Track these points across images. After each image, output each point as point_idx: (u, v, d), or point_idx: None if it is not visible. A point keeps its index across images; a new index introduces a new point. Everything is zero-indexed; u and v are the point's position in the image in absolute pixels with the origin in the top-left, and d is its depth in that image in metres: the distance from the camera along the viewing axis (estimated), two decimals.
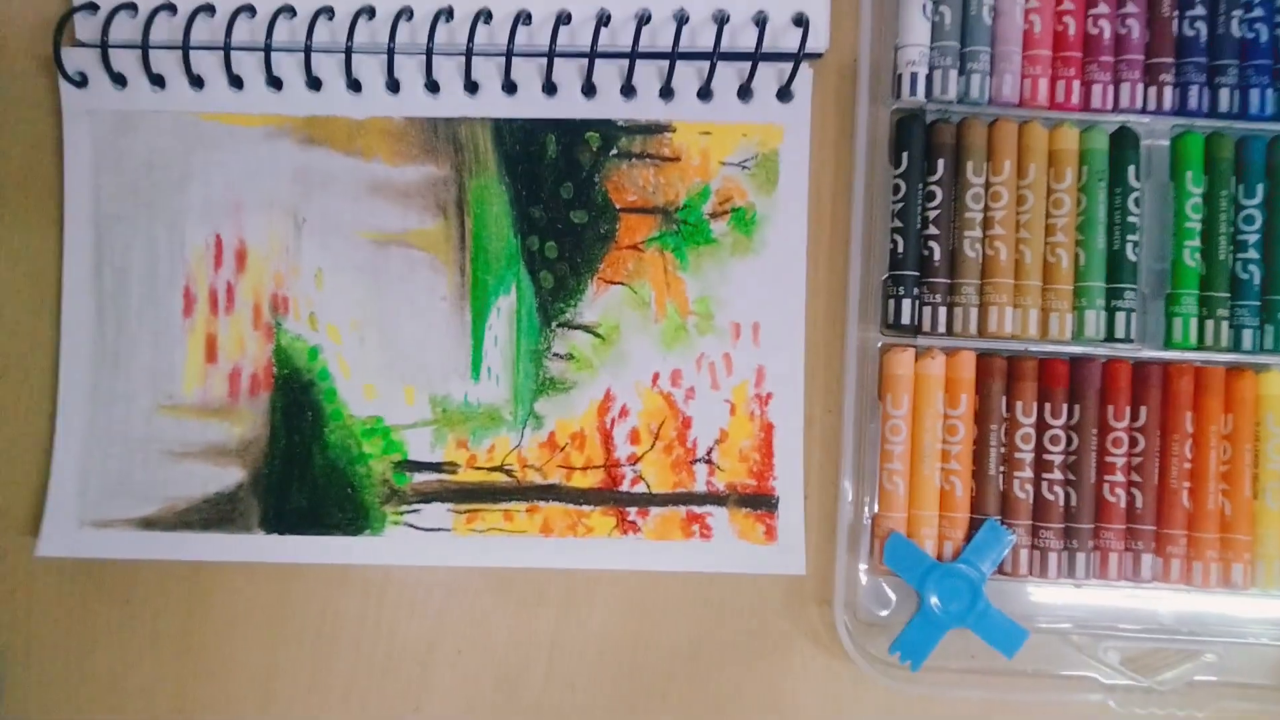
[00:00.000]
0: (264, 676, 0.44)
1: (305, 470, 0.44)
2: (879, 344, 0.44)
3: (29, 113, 0.45)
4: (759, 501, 0.44)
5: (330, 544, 0.44)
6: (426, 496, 0.44)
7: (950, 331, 0.44)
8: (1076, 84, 0.44)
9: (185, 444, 0.44)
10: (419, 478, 0.44)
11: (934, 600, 0.42)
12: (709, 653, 0.44)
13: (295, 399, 0.44)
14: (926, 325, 0.43)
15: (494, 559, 0.44)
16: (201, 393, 0.44)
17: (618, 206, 0.45)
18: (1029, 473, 0.43)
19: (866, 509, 0.44)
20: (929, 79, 0.43)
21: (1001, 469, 0.44)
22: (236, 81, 0.44)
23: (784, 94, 0.44)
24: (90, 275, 0.44)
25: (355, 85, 0.44)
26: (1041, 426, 0.44)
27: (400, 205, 0.44)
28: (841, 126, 0.45)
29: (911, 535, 0.43)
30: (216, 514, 0.44)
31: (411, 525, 0.44)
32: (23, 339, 0.45)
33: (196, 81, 0.44)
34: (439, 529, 0.44)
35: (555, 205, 0.45)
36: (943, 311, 0.43)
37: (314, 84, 0.44)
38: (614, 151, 0.44)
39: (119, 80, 0.44)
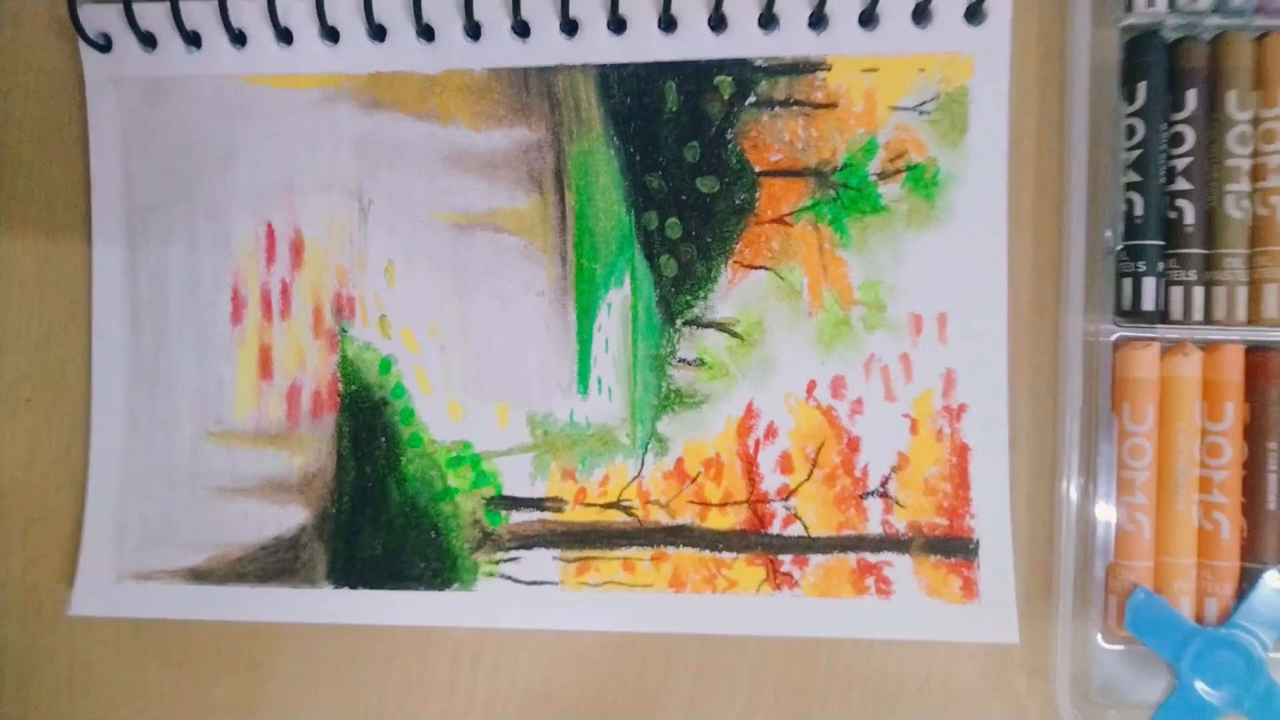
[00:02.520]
0: None
1: (380, 509, 0.36)
2: (1112, 338, 0.33)
3: (48, 86, 0.38)
4: (953, 547, 0.34)
5: (412, 600, 0.35)
6: (527, 541, 0.35)
7: (1210, 320, 0.33)
8: None
9: (237, 479, 0.36)
10: (517, 517, 0.35)
11: (1198, 680, 0.32)
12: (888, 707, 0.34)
13: (366, 422, 0.36)
14: (1176, 312, 0.33)
15: (612, 620, 0.35)
16: (255, 416, 0.36)
17: (757, 169, 0.35)
18: None
19: (1099, 557, 0.33)
20: None
21: None
22: (285, 35, 0.36)
23: (973, 13, 0.34)
24: (123, 278, 0.37)
25: (427, 32, 0.35)
26: None
27: (485, 179, 0.36)
28: (1050, 54, 0.34)
29: (1160, 590, 0.33)
30: (276, 564, 0.36)
31: (510, 578, 0.35)
32: (53, 357, 0.38)
33: (238, 38, 0.36)
34: (543, 582, 0.35)
35: (678, 171, 0.35)
36: (1198, 292, 0.33)
37: (377, 33, 0.36)
38: (751, 99, 0.35)
39: (148, 41, 0.36)
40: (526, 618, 0.35)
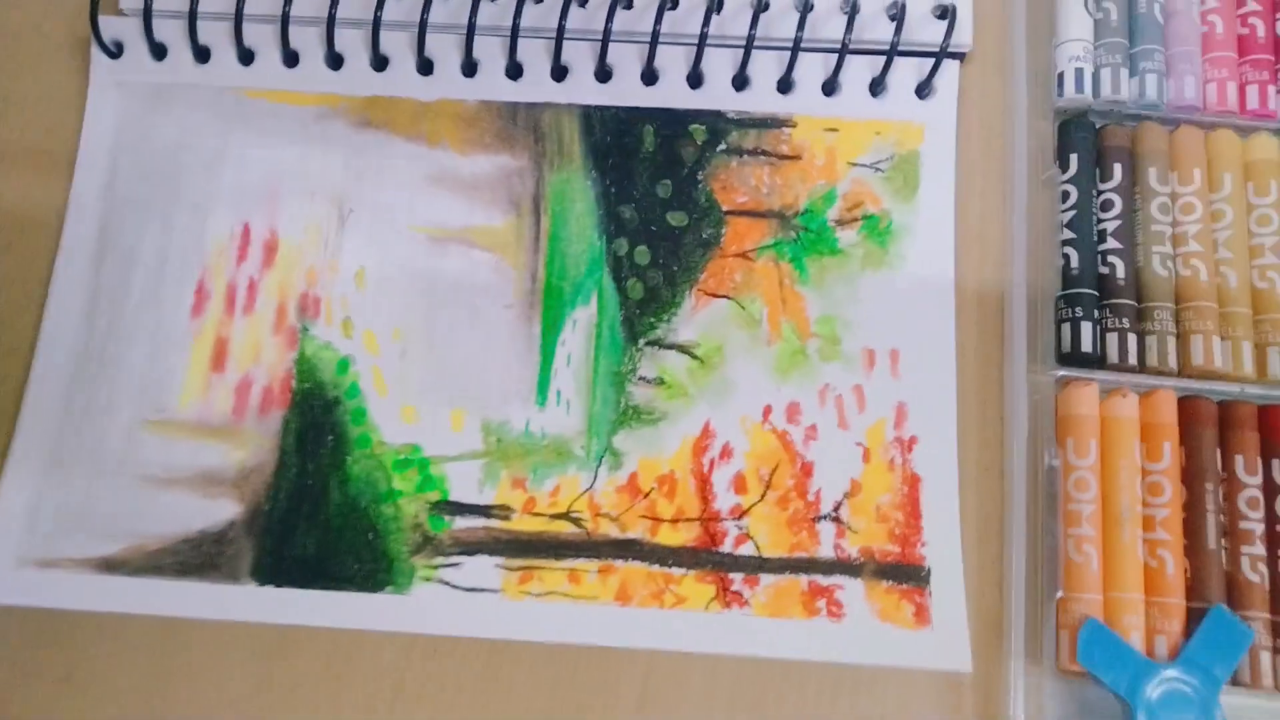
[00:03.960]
0: None
1: (318, 508, 0.34)
2: (1054, 376, 0.35)
3: (61, 92, 0.39)
4: (905, 573, 0.33)
5: (340, 601, 0.33)
6: (469, 548, 0.34)
7: (1143, 366, 0.35)
8: (1272, 89, 0.37)
9: (170, 468, 0.35)
10: (461, 523, 0.34)
11: (1153, 717, 0.31)
12: None
13: (315, 419, 0.35)
14: (1113, 357, 0.35)
15: (554, 631, 0.33)
16: (200, 407, 0.35)
17: (724, 208, 0.37)
18: (1260, 548, 0.33)
19: (1048, 591, 0.33)
20: (1095, 77, 0.37)
21: (1224, 543, 0.33)
22: (292, 58, 0.38)
23: (924, 90, 0.38)
24: (88, 264, 0.37)
25: (426, 66, 0.38)
26: (1272, 489, 0.33)
27: (465, 198, 0.37)
28: (992, 127, 0.38)
29: (1111, 626, 0.32)
30: (197, 557, 0.34)
31: (448, 583, 0.33)
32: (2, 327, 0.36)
33: (246, 56, 0.38)
34: (483, 589, 0.33)
35: (650, 205, 0.37)
36: (1132, 339, 0.35)
37: (379, 63, 0.38)
38: (722, 147, 0.38)
39: (158, 52, 0.38)
40: (463, 625, 0.33)
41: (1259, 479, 0.34)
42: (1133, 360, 0.34)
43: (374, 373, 0.36)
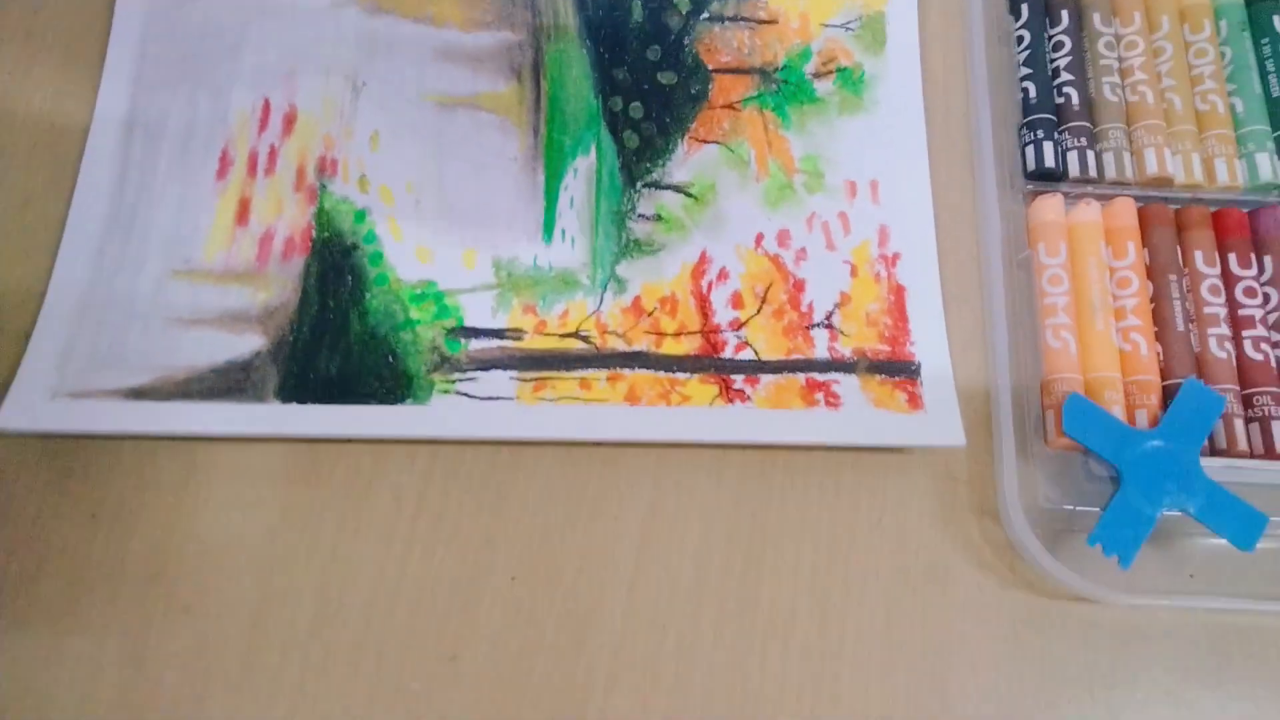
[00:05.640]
0: (267, 573, 0.33)
1: (339, 337, 0.36)
2: (1023, 192, 0.37)
3: None
4: (897, 368, 0.36)
5: (361, 414, 0.35)
6: (484, 364, 0.36)
7: (1102, 178, 0.37)
8: None
9: (197, 310, 0.37)
10: (476, 344, 0.36)
11: (1140, 479, 0.33)
12: (843, 549, 0.33)
13: (334, 263, 0.37)
14: (1074, 171, 0.37)
15: (567, 430, 0.34)
16: (225, 257, 0.37)
17: (710, 68, 0.40)
18: (1225, 329, 0.35)
19: (1031, 380, 0.35)
20: None
21: (1191, 325, 0.36)
22: None
23: None
24: (118, 137, 0.39)
25: None
26: (1230, 279, 0.36)
27: (470, 69, 0.40)
28: None
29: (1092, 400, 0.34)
30: (223, 383, 0.35)
31: (465, 394, 0.35)
32: (38, 181, 0.39)
33: None
34: (499, 398, 0.35)
35: (641, 67, 0.40)
36: (1090, 156, 0.38)
37: None
38: (705, 15, 0.41)
39: None
40: (481, 428, 0.34)
41: (1217, 269, 0.36)
42: (1093, 173, 0.37)
43: (389, 221, 0.38)
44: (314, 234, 0.38)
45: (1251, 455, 0.34)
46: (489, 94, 0.40)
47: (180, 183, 0.39)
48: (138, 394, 0.35)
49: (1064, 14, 0.40)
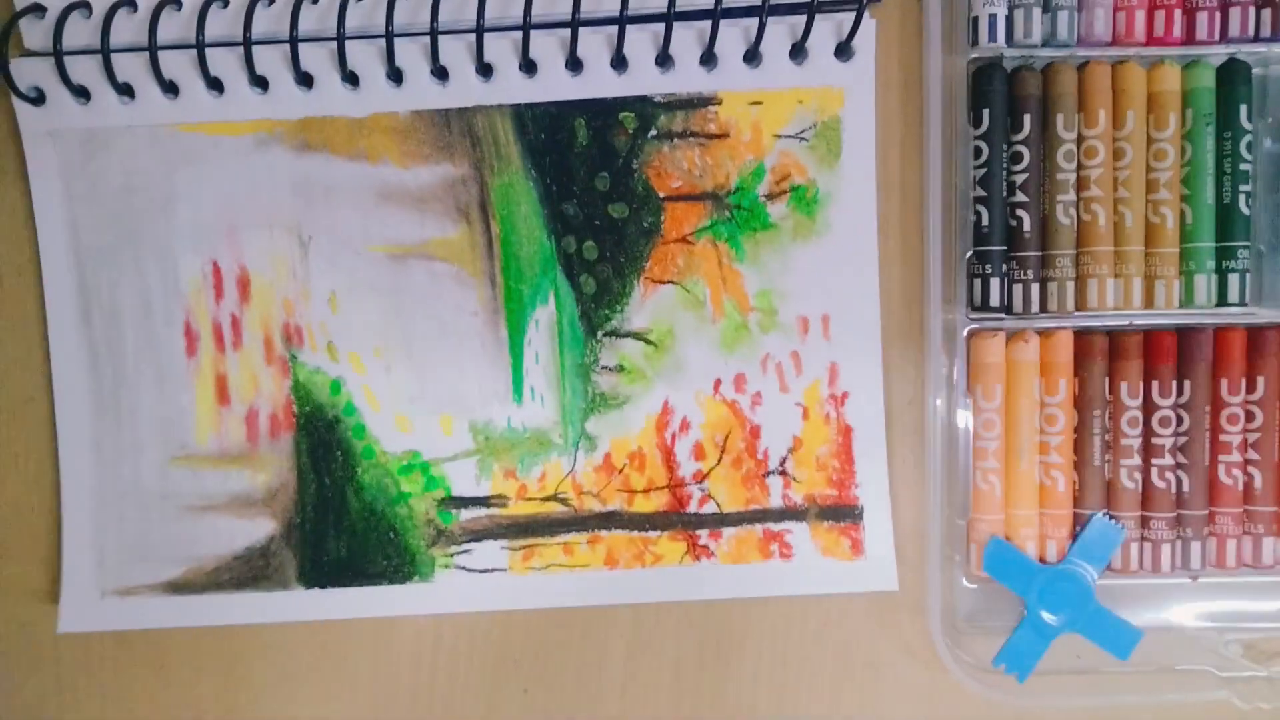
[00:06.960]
0: None
1: (341, 516, 0.40)
2: (965, 330, 0.39)
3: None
4: (842, 513, 0.40)
5: (377, 595, 0.40)
6: (477, 535, 0.40)
7: (1045, 309, 0.39)
8: (1178, 13, 0.38)
9: (205, 497, 0.40)
10: (466, 514, 0.40)
11: (1042, 608, 0.39)
12: (795, 680, 0.41)
13: (321, 438, 0.40)
14: (1018, 305, 0.39)
15: (556, 598, 0.40)
16: (217, 440, 0.40)
17: (661, 195, 0.39)
18: (1136, 460, 0.39)
19: (961, 513, 0.40)
20: (1009, 20, 0.38)
21: (1107, 458, 0.40)
22: (215, 84, 0.38)
23: (843, 51, 0.38)
24: (77, 318, 0.39)
25: (352, 78, 0.38)
26: (1149, 408, 0.39)
27: (416, 212, 0.39)
28: (909, 84, 0.39)
29: (1010, 537, 0.39)
30: (250, 571, 0.40)
31: (464, 568, 0.40)
32: (14, 393, 0.40)
33: (170, 88, 0.38)
34: (494, 569, 0.40)
35: (591, 199, 0.39)
36: (1035, 289, 0.39)
37: (304, 80, 0.38)
38: (653, 133, 0.39)
39: (81, 93, 0.38)
40: (481, 601, 0.40)
41: (1139, 401, 0.39)
42: (1035, 308, 0.39)
43: (364, 390, 0.40)
44: (295, 409, 0.40)
45: (1140, 570, 0.40)
46: (439, 240, 0.40)
47: (152, 364, 0.40)
48: (176, 587, 0.40)
49: (1026, 119, 0.38)
